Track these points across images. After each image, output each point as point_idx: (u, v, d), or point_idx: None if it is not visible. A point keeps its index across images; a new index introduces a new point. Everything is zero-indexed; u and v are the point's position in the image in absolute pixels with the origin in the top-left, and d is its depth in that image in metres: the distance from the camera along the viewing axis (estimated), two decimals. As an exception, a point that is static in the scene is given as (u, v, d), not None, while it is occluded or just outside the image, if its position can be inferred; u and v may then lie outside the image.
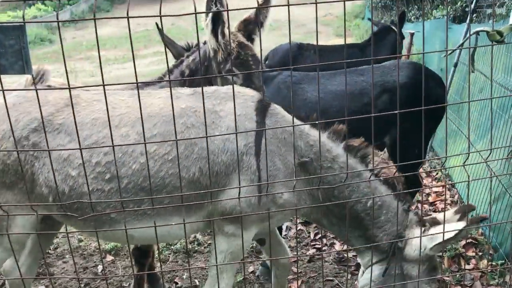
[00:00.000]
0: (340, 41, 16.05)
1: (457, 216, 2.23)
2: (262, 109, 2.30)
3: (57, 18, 1.41)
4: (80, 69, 16.54)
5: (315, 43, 6.71)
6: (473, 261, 3.52)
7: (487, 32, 2.36)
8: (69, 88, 1.44)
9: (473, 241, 3.70)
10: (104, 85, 1.44)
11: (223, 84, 2.72)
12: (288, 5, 1.56)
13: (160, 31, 3.25)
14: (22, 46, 1.42)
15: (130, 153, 2.16)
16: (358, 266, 3.60)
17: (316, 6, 1.56)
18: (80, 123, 2.18)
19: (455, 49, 2.82)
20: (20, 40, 1.42)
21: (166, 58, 1.72)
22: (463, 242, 3.69)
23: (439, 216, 2.32)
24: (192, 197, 2.16)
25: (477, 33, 2.51)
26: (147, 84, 2.96)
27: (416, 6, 12.16)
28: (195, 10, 1.41)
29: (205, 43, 2.93)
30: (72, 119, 2.10)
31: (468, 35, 2.48)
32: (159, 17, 1.44)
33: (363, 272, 2.44)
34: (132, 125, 2.20)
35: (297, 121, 2.19)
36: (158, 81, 2.95)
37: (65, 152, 2.15)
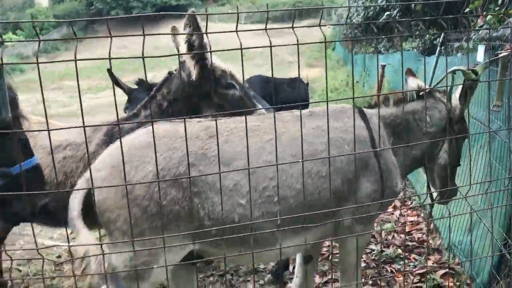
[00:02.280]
0: (310, 71, 16.36)
1: None
2: (363, 115, 2.60)
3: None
4: (53, 100, 16.32)
5: (286, 73, 6.98)
6: (452, 291, 3.55)
7: (463, 71, 2.46)
8: (84, 126, 1.40)
9: (451, 271, 3.73)
10: (84, 127, 1.41)
11: (220, 100, 2.75)
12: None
13: (110, 72, 3.42)
14: None
15: (291, 175, 2.30)
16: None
17: (298, 47, 1.58)
18: (233, 153, 2.25)
19: (433, 87, 2.89)
20: (-2, 81, 1.39)
21: (114, 96, 1.70)
22: (442, 272, 3.72)
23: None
24: (333, 206, 2.37)
25: (454, 72, 2.61)
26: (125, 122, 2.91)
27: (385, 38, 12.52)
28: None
29: (170, 73, 2.95)
30: (225, 149, 2.24)
31: (444, 71, 2.59)
32: (108, 59, 1.42)
33: None
34: (283, 149, 2.30)
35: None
36: (144, 121, 2.89)
37: (230, 182, 2.19)
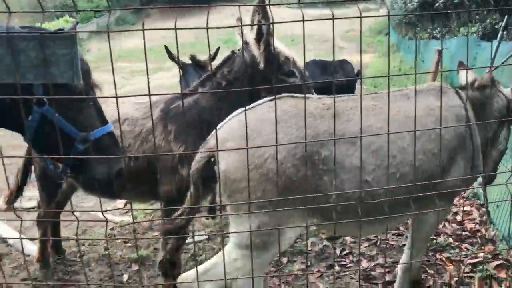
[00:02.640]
0: (362, 57, 16.02)
1: None
2: (459, 95, 2.65)
3: (108, 29, 1.44)
4: (106, 81, 16.85)
5: (338, 58, 7.43)
6: (506, 283, 3.43)
7: None
8: (116, 97, 1.46)
9: (505, 262, 3.61)
10: (149, 95, 1.46)
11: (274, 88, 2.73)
12: (303, 20, 1.56)
13: (168, 51, 3.75)
14: (73, 55, 1.45)
15: (409, 152, 2.37)
16: (385, 284, 3.54)
17: (333, 22, 1.56)
18: (356, 132, 2.26)
19: (501, 65, 2.80)
20: (71, 50, 1.45)
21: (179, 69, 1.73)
22: (495, 263, 3.61)
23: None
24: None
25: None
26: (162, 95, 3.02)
27: (442, 23, 12.08)
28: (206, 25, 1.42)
29: (234, 52, 2.96)
30: (350, 128, 2.31)
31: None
32: (175, 30, 1.44)
33: None
34: (400, 127, 2.38)
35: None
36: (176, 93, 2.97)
37: (357, 160, 2.23)
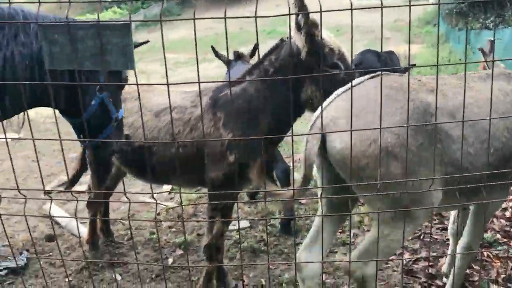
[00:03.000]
0: (410, 48, 15.54)
1: None
2: None
3: (160, 18, 1.49)
4: (153, 71, 17.23)
5: (385, 49, 7.43)
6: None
7: None
8: (168, 84, 1.52)
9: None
10: (199, 82, 1.51)
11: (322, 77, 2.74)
12: (351, 9, 1.55)
13: (214, 51, 4.17)
14: (127, 43, 1.52)
15: (498, 129, 2.46)
16: (427, 277, 3.50)
17: (382, 10, 1.55)
18: (453, 107, 2.39)
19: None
20: (126, 38, 1.52)
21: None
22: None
23: None
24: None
25: None
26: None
27: (495, 12, 11.60)
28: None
29: (283, 40, 2.97)
30: (447, 102, 2.40)
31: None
32: (224, 19, 1.47)
33: None
34: (487, 104, 2.37)
35: None
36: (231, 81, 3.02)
37: (460, 133, 2.29)
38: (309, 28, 2.63)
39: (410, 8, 1.53)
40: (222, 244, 3.23)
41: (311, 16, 2.64)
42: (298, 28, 2.62)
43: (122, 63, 1.55)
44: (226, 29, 1.50)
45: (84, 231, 4.18)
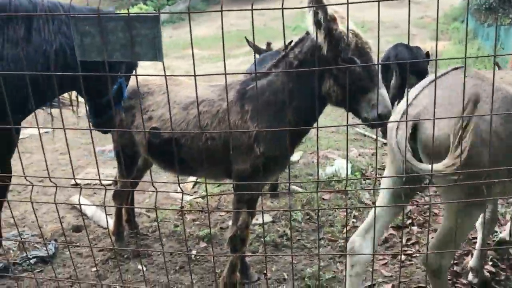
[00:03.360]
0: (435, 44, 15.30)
1: None
2: None
3: (189, 10, 1.52)
4: (177, 67, 17.40)
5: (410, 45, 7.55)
6: None
7: None
8: (195, 76, 1.54)
9: None
10: (225, 74, 1.53)
11: (338, 71, 2.74)
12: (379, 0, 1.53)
13: (248, 41, 4.30)
14: (156, 35, 1.55)
15: None
16: (451, 275, 3.46)
17: (409, 3, 1.53)
18: None
19: None
20: (155, 30, 1.55)
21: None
22: None
23: None
24: None
25: None
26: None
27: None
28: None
29: (308, 33, 2.96)
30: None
31: None
32: (251, 11, 1.46)
33: None
34: None
35: None
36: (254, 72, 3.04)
37: None
38: (329, 24, 2.64)
39: (438, 2, 1.52)
40: (247, 236, 3.26)
41: (330, 11, 2.63)
42: (319, 25, 2.62)
43: (151, 55, 1.58)
44: (252, 21, 1.52)
45: (110, 223, 4.27)
